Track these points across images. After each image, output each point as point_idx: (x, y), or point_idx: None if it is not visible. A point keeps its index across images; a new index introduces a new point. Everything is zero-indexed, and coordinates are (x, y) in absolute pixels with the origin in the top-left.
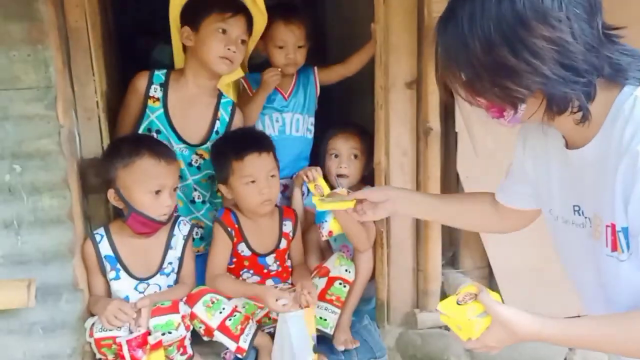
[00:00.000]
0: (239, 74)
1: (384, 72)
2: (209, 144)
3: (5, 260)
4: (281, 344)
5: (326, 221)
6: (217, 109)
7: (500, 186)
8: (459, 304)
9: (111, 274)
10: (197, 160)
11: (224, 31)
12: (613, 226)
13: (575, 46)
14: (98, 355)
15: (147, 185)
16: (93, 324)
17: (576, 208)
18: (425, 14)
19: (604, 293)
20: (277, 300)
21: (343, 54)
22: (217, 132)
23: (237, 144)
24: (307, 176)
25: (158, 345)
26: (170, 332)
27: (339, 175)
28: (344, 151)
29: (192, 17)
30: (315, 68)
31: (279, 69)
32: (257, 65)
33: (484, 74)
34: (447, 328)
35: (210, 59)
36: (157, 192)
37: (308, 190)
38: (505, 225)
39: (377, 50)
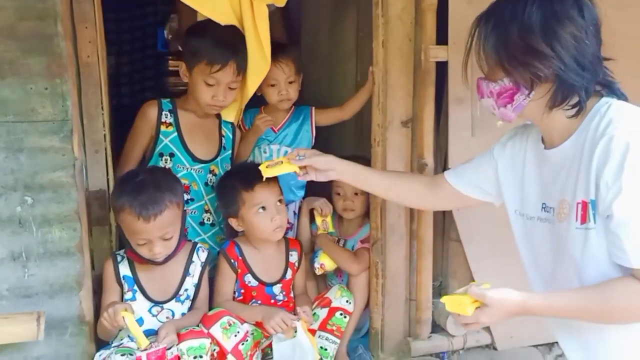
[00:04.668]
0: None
1: (382, 111)
2: (219, 159)
3: (10, 293)
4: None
5: (317, 256)
6: (220, 128)
7: (456, 169)
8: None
9: (127, 295)
10: (211, 179)
11: (211, 84)
12: (584, 202)
13: (589, 48)
14: None
15: (133, 237)
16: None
17: (544, 205)
18: (423, 59)
19: (565, 271)
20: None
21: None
22: (224, 148)
23: (244, 175)
24: (321, 209)
25: None
26: (201, 357)
27: (344, 210)
28: (347, 189)
29: (187, 57)
30: (313, 108)
31: (270, 118)
32: None
33: (518, 54)
34: (438, 355)
35: (199, 102)
36: (144, 244)
37: (314, 217)
38: (437, 203)
39: (375, 91)
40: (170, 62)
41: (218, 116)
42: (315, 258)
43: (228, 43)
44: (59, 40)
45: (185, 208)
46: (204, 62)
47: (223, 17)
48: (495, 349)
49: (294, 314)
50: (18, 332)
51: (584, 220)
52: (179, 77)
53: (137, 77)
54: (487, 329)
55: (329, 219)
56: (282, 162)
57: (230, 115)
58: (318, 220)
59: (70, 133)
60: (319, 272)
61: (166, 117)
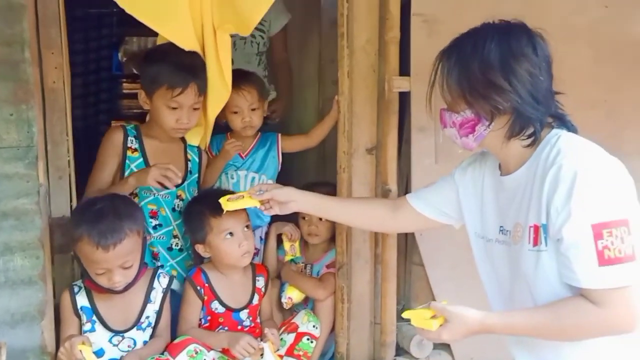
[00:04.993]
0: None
1: (348, 138)
2: (186, 184)
3: None
4: None
5: (284, 290)
6: (186, 152)
7: (418, 192)
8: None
9: (86, 326)
10: (178, 204)
11: (174, 107)
12: (536, 226)
13: (543, 83)
14: None
15: (91, 267)
16: None
17: (501, 228)
18: (386, 89)
19: (521, 291)
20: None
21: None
22: (190, 172)
23: (212, 201)
24: (290, 234)
25: None
26: None
27: (309, 235)
28: (312, 215)
29: (145, 84)
30: (279, 135)
31: (240, 143)
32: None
33: (479, 88)
34: None
35: (164, 127)
36: (103, 273)
37: (281, 242)
38: (400, 226)
39: (340, 119)
40: (124, 84)
41: (183, 140)
42: (282, 292)
43: (187, 66)
44: (26, 67)
45: (153, 234)
46: (164, 87)
47: (186, 42)
48: None
49: (261, 340)
50: None
51: (535, 242)
52: (133, 100)
53: (91, 100)
54: (449, 350)
55: (297, 244)
56: (243, 197)
57: (195, 139)
58: (286, 245)
59: (35, 159)
60: (287, 306)
61: (132, 143)
